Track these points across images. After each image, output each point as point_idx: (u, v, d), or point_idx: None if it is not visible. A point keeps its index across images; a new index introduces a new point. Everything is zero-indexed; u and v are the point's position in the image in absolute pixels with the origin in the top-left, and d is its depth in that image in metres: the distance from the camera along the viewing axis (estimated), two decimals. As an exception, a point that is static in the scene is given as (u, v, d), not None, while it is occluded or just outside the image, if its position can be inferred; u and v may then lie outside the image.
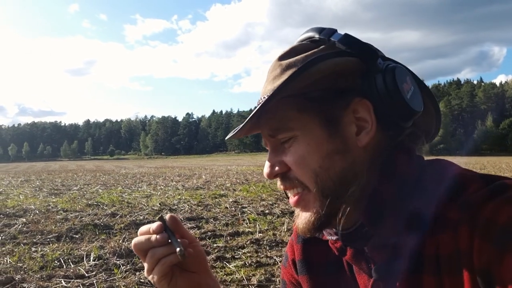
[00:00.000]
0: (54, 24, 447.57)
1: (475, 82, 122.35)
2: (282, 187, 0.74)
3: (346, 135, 0.69)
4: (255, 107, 0.71)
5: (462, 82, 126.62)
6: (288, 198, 0.76)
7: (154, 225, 0.77)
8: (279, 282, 3.65)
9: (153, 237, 0.76)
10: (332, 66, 0.67)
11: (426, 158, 0.75)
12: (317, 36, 0.72)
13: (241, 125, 0.71)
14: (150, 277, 0.77)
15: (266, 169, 0.75)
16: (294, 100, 0.69)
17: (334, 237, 0.76)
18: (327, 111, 0.69)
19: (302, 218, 0.73)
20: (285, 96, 0.67)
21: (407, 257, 0.65)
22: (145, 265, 0.78)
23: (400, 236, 0.65)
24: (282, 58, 0.73)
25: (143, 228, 0.79)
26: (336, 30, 0.72)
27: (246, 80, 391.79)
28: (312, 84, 0.67)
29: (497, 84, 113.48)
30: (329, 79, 0.68)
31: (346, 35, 0.70)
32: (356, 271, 0.75)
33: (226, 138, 0.78)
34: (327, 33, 0.71)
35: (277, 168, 0.73)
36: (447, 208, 0.62)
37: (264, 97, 0.69)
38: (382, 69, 0.69)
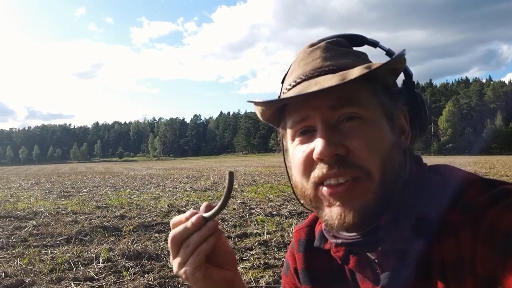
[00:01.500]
0: (62, 28, 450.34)
1: (483, 80, 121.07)
2: (330, 172, 0.66)
3: (397, 133, 0.71)
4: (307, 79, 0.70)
5: (470, 81, 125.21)
6: (324, 186, 0.68)
7: (187, 213, 0.71)
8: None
9: (189, 222, 0.69)
10: (399, 64, 0.69)
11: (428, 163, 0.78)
12: (368, 38, 0.78)
13: (303, 93, 0.64)
14: (182, 271, 0.69)
15: (323, 147, 0.65)
16: (369, 84, 0.68)
17: (340, 240, 0.73)
18: (388, 104, 0.71)
19: (347, 209, 0.66)
20: (363, 78, 0.63)
21: (415, 263, 0.65)
22: (176, 261, 0.70)
23: (409, 241, 0.66)
24: (333, 43, 0.74)
25: (175, 219, 0.72)
26: (378, 42, 0.79)
27: (252, 82, 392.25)
28: (384, 74, 0.69)
29: (506, 82, 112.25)
30: (394, 75, 0.72)
31: (389, 49, 0.76)
32: (360, 279, 0.74)
33: (260, 101, 0.70)
34: (374, 41, 0.79)
35: (339, 148, 0.65)
36: (449, 211, 0.63)
37: (323, 69, 0.69)
38: (415, 85, 0.76)
